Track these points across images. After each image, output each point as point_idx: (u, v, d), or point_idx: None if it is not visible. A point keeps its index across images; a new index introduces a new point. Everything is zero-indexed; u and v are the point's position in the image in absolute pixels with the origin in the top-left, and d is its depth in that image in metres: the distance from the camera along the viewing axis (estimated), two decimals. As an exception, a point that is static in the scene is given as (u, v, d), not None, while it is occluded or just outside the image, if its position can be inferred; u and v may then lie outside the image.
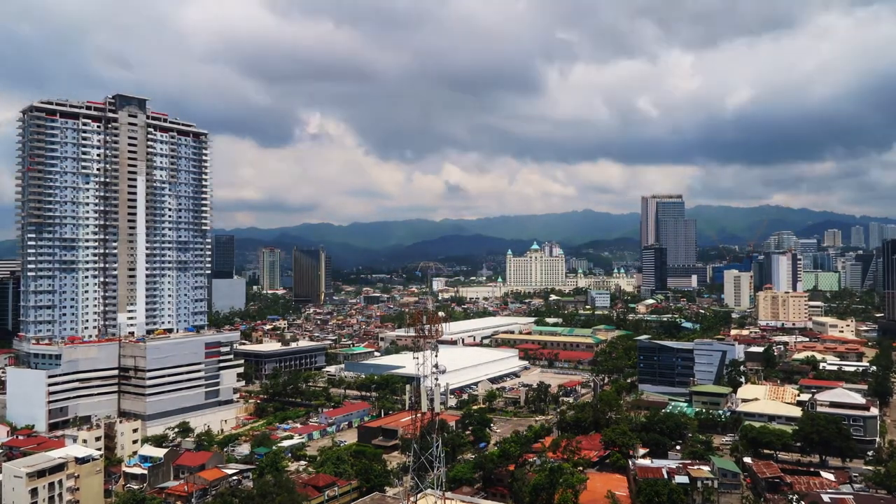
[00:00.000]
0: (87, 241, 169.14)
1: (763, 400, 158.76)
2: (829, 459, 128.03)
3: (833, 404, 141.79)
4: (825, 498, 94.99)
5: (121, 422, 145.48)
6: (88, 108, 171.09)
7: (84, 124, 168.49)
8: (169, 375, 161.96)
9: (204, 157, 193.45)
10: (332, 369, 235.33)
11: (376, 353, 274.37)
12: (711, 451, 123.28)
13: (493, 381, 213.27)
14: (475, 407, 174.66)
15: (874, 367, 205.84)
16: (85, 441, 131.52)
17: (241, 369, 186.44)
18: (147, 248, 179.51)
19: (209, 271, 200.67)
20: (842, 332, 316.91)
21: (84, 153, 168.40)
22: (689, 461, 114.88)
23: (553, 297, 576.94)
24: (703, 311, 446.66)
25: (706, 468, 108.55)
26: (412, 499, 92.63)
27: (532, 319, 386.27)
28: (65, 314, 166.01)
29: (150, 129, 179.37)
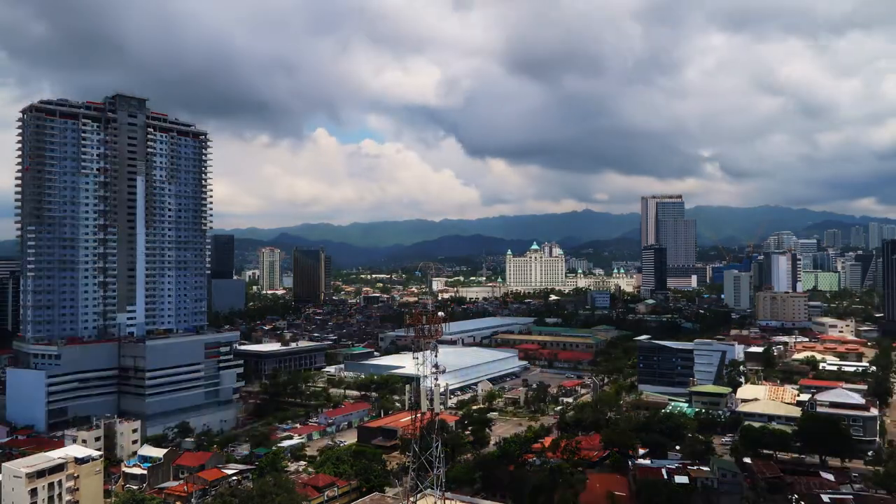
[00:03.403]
0: (86, 240, 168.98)
1: (763, 400, 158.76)
2: (828, 460, 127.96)
3: (833, 404, 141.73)
4: (825, 498, 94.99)
5: (120, 422, 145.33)
6: (88, 108, 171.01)
7: (83, 124, 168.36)
8: (169, 375, 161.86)
9: (204, 157, 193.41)
10: (331, 369, 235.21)
11: (376, 353, 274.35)
12: (711, 452, 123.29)
13: (493, 381, 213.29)
14: (475, 407, 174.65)
15: (874, 368, 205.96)
16: (84, 441, 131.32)
17: (240, 369, 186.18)
18: (147, 248, 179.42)
19: (209, 271, 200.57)
20: (841, 332, 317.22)
21: (83, 153, 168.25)
22: (689, 461, 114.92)
23: (553, 297, 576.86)
24: (702, 312, 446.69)
25: (706, 468, 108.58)
26: (412, 499, 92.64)
27: (532, 319, 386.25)
28: (64, 314, 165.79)
29: (150, 129, 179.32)
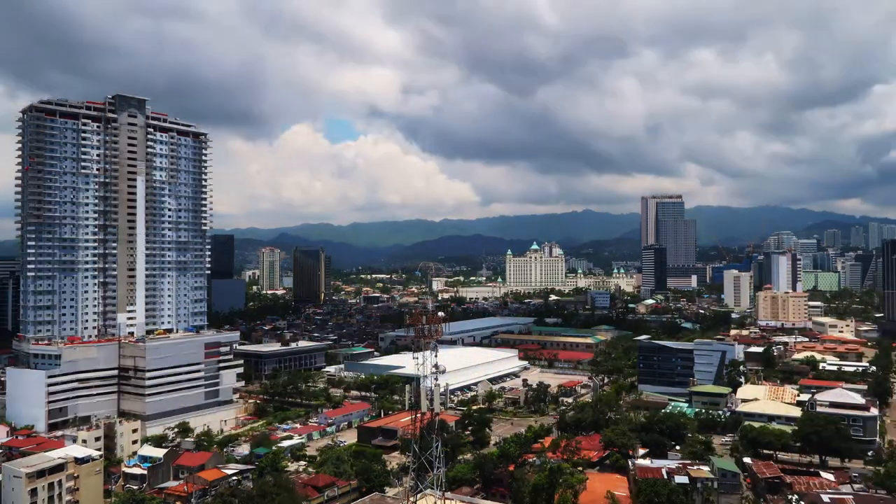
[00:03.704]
0: (86, 241, 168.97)
1: (763, 400, 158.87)
2: (828, 459, 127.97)
3: (833, 404, 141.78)
4: (825, 498, 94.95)
5: (120, 422, 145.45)
6: (88, 108, 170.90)
7: (83, 124, 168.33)
8: (168, 376, 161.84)
9: (204, 158, 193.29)
10: (331, 369, 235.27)
11: (376, 353, 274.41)
12: (711, 452, 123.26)
13: (493, 381, 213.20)
14: (475, 407, 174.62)
15: (874, 368, 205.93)
16: (85, 441, 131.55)
17: (240, 369, 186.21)
18: (147, 249, 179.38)
19: (209, 271, 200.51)
20: (841, 332, 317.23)
21: (83, 153, 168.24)
22: (689, 461, 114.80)
23: (553, 297, 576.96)
24: (702, 312, 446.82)
25: (706, 468, 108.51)
26: (412, 499, 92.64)
27: (532, 319, 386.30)
28: (64, 314, 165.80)
29: (150, 130, 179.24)
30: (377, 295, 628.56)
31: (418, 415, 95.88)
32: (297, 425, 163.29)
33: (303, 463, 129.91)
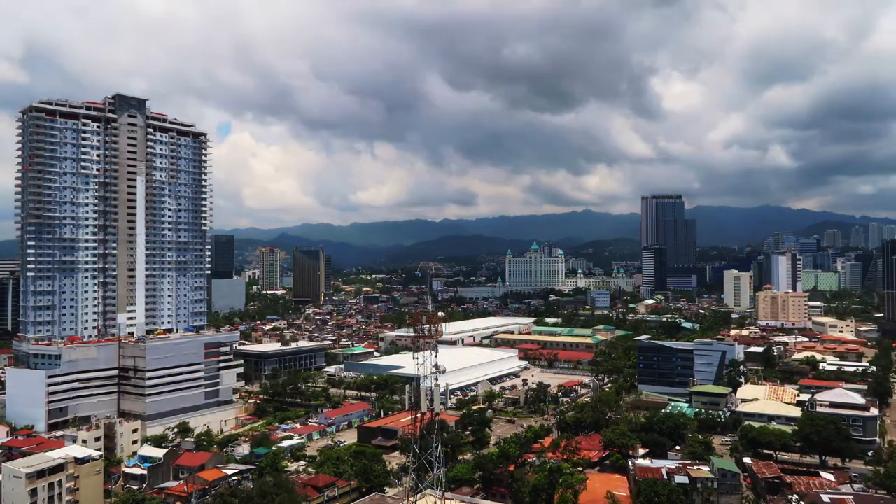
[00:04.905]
0: (86, 241, 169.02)
1: (763, 400, 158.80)
2: (828, 459, 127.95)
3: (833, 404, 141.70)
4: (825, 498, 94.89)
5: (120, 422, 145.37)
6: (88, 108, 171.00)
7: (83, 125, 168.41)
8: (168, 376, 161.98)
9: (204, 158, 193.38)
10: (331, 369, 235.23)
11: (376, 354, 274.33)
12: (711, 452, 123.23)
13: (492, 381, 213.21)
14: (475, 407, 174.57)
15: (874, 368, 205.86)
16: (84, 441, 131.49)
17: (240, 369, 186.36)
18: (147, 249, 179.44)
19: (209, 271, 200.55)
20: (841, 332, 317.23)
21: (83, 154, 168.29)
22: (689, 461, 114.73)
23: (553, 297, 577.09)
24: (702, 312, 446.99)
25: (706, 468, 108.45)
26: (412, 499, 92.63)
27: (532, 320, 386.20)
28: (64, 315, 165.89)
29: (150, 130, 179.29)
30: (377, 295, 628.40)
31: (418, 415, 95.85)
32: (297, 425, 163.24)
33: (303, 463, 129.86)
